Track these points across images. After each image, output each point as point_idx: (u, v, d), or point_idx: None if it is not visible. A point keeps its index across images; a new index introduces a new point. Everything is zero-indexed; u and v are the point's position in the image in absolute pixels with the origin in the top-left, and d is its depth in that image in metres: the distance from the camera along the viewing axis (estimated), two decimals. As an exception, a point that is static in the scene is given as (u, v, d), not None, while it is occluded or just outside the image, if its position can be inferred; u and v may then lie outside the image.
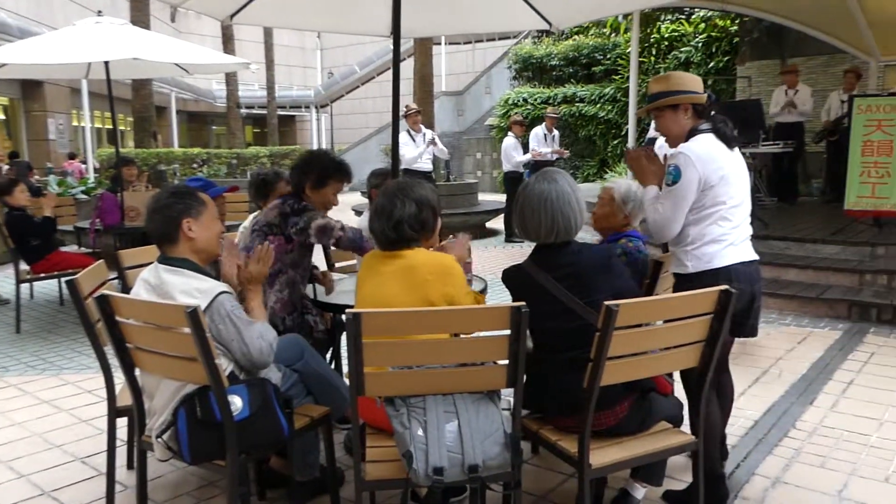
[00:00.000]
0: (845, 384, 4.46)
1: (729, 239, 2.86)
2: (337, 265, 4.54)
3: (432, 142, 9.51)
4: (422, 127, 9.65)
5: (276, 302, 3.38)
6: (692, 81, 2.98)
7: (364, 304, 2.58)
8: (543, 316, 2.56)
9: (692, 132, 2.91)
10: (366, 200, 6.98)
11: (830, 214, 8.33)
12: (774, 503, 3.04)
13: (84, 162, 17.44)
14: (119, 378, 2.80)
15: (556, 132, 11.08)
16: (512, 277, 2.76)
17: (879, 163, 6.76)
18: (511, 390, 2.37)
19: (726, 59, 14.25)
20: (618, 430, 2.61)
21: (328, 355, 4.07)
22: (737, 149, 2.96)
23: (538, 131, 10.87)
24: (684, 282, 2.90)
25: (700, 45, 14.86)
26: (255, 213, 4.06)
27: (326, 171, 3.42)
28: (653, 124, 9.10)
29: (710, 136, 2.89)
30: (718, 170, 2.81)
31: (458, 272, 2.58)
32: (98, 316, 2.59)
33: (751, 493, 3.12)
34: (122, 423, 3.18)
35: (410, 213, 2.57)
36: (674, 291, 2.93)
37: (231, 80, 24.16)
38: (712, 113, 2.96)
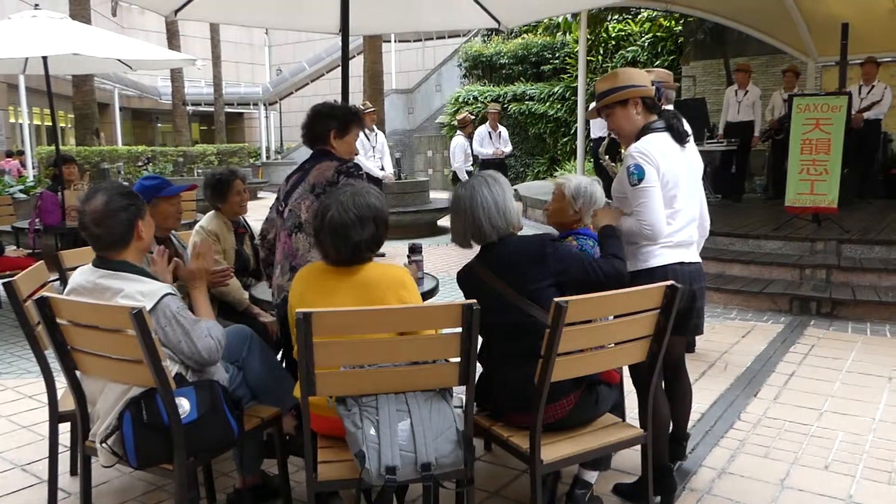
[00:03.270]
0: (787, 376, 4.58)
1: (669, 241, 2.90)
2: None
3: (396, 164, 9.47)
4: (374, 126, 9.33)
5: None
6: (639, 76, 2.98)
7: None
8: (486, 311, 2.58)
9: (644, 130, 2.92)
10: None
11: (773, 211, 8.54)
12: (721, 493, 3.11)
13: (23, 162, 16.90)
14: (61, 382, 2.72)
15: (501, 129, 10.80)
16: (462, 277, 2.83)
17: (818, 160, 6.96)
18: (462, 388, 2.37)
19: (671, 58, 14.52)
20: (566, 423, 2.64)
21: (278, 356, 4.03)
22: (690, 144, 2.98)
23: (482, 131, 10.65)
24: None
25: (646, 44, 15.11)
26: (207, 215, 3.97)
27: (348, 115, 3.25)
28: (594, 123, 9.18)
29: (664, 135, 2.89)
30: (670, 169, 2.84)
31: (412, 284, 2.56)
32: (38, 319, 2.52)
33: (698, 484, 3.19)
34: (64, 428, 3.10)
35: (370, 234, 2.47)
36: None
37: (176, 76, 23.64)
38: (663, 108, 2.97)
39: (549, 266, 2.63)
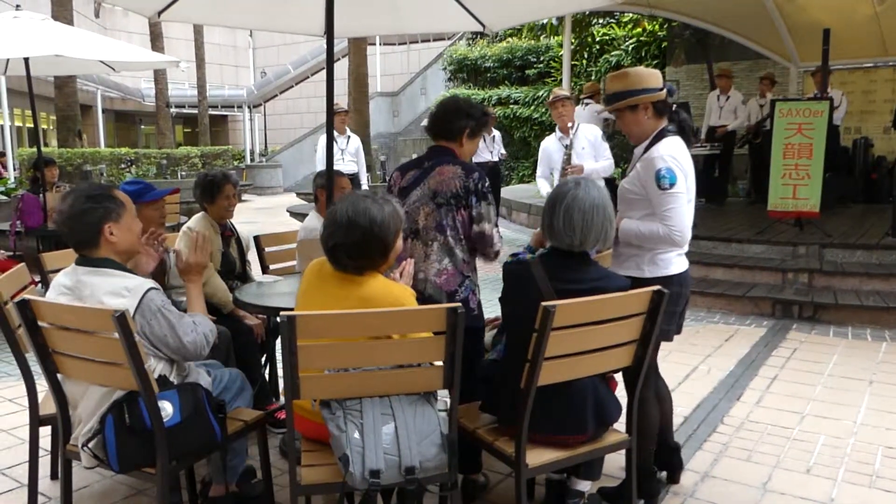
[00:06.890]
0: (770, 380, 4.61)
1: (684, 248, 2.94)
2: (271, 267, 4.46)
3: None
4: (347, 129, 8.89)
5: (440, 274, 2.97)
6: (650, 77, 2.90)
7: None
8: (528, 319, 2.42)
9: (661, 133, 2.89)
10: (300, 202, 6.71)
11: (755, 215, 8.60)
12: (703, 497, 3.12)
13: (4, 164, 16.74)
14: (42, 385, 2.69)
15: (496, 133, 10.39)
16: (514, 271, 2.68)
17: (800, 165, 7.02)
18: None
19: (655, 62, 14.58)
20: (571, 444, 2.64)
21: (262, 359, 4.01)
22: None
23: None
24: (639, 286, 2.79)
25: (630, 48, 15.17)
26: (194, 218, 3.94)
27: (482, 117, 3.13)
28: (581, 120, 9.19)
29: (678, 140, 2.88)
30: (690, 177, 2.85)
31: (413, 305, 2.45)
32: (19, 321, 2.49)
33: (681, 487, 3.20)
34: (44, 432, 3.06)
35: (352, 240, 2.34)
36: None
37: (160, 78, 23.45)
38: (674, 107, 2.93)
39: None
